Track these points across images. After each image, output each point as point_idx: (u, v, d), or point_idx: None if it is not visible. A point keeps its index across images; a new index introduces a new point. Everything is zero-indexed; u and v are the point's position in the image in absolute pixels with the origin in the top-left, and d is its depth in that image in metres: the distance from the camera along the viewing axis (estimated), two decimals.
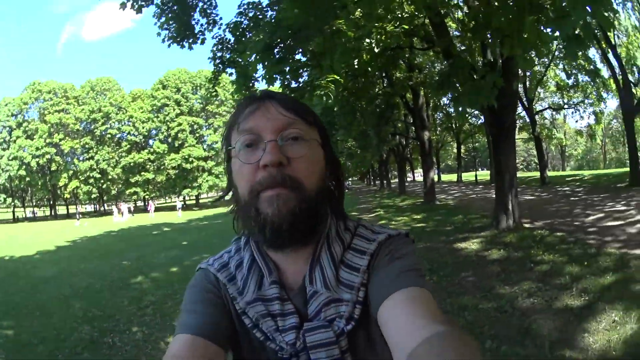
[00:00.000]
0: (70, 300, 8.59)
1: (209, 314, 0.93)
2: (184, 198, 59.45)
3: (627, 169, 24.80)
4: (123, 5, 11.53)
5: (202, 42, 13.31)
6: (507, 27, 7.49)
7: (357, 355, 0.94)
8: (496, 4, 8.26)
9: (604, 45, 21.64)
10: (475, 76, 9.22)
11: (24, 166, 52.01)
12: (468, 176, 49.62)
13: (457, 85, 9.42)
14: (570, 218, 12.81)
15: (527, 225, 11.44)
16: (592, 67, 25.66)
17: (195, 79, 55.89)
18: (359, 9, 8.41)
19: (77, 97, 56.02)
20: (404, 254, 0.97)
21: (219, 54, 12.64)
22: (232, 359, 0.99)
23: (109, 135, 55.48)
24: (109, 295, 8.91)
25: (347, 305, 0.94)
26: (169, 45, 12.09)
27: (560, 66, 29.19)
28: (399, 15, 10.84)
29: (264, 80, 9.95)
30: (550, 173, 44.20)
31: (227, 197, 1.07)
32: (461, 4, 10.97)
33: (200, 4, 10.74)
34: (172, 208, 49.43)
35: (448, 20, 11.95)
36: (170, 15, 11.19)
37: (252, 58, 9.73)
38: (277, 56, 9.58)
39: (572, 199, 18.38)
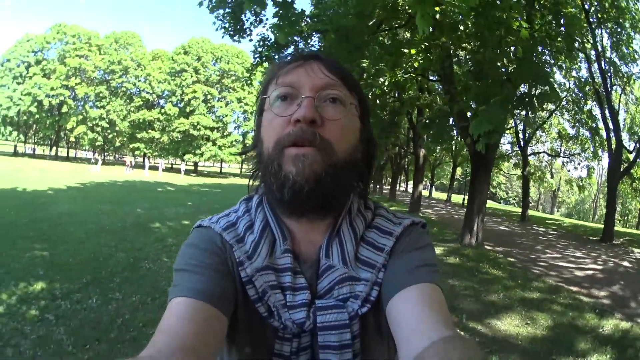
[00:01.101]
0: (100, 235, 9.57)
1: (213, 278, 0.86)
2: (184, 162, 60.05)
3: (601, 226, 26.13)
4: None
5: (250, 39, 14.93)
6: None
7: (365, 342, 0.91)
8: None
9: (605, 107, 21.90)
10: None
11: (35, 103, 52.39)
12: (458, 198, 50.65)
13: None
14: (528, 251, 14.13)
15: (487, 247, 12.95)
16: (594, 124, 26.51)
17: (217, 50, 56.37)
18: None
19: (100, 45, 56.40)
20: (423, 245, 0.96)
21: (259, 49, 14.12)
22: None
23: (124, 89, 55.98)
24: (134, 233, 10.10)
25: (365, 285, 0.90)
26: (222, 36, 13.55)
27: (566, 116, 30.11)
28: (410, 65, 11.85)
29: None
30: (534, 213, 45.23)
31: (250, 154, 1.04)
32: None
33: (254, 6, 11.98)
34: (170, 169, 50.11)
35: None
36: (226, 10, 12.32)
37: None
38: None
39: (540, 238, 19.61)
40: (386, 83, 12.59)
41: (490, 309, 6.82)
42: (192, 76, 54.59)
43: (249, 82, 18.32)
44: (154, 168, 52.46)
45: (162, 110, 54.79)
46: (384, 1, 10.02)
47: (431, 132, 11.86)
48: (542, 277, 10.01)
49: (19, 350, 3.96)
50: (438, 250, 11.38)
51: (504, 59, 9.49)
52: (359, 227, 0.96)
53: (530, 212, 44.77)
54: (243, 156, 61.58)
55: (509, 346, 5.39)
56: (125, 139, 57.52)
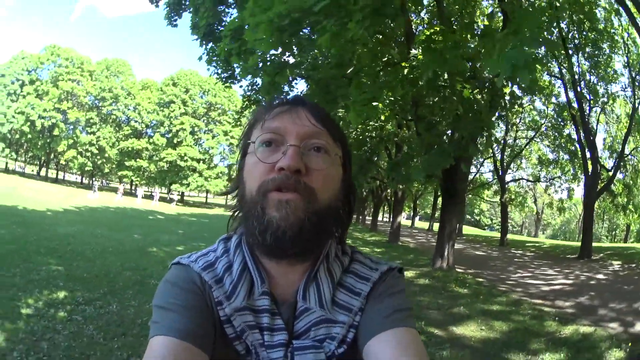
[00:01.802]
0: (106, 255, 10.50)
1: (193, 317, 0.87)
2: (169, 192, 60.74)
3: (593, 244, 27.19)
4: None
5: (240, 85, 16.48)
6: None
7: None
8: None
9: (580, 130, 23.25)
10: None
11: (28, 122, 52.52)
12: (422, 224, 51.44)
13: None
14: (499, 272, 15.20)
15: (459, 270, 13.89)
16: (572, 147, 27.39)
17: (205, 83, 57.10)
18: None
19: (92, 71, 56.80)
20: (398, 290, 0.99)
21: (248, 93, 15.30)
22: None
23: (114, 116, 56.68)
24: (135, 256, 11.07)
25: (342, 327, 0.93)
26: (215, 83, 14.79)
27: (546, 142, 31.43)
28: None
29: None
30: (516, 237, 46.14)
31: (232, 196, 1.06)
32: None
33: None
34: (160, 199, 50.74)
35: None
36: (219, 60, 13.62)
37: None
38: None
39: (515, 260, 20.65)
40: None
41: (450, 319, 7.84)
42: (180, 108, 55.43)
43: (238, 123, 19.38)
44: (148, 197, 53.24)
45: (150, 140, 55.37)
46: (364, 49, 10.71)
47: (396, 174, 13.02)
48: (507, 293, 11.01)
49: (53, 343, 4.76)
50: (411, 273, 12.68)
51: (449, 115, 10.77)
52: (336, 272, 0.99)
53: (513, 236, 44.88)
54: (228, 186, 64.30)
55: (461, 345, 6.34)
56: (113, 166, 58.00)
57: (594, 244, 33.30)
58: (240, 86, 17.52)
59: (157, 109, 55.90)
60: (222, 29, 12.94)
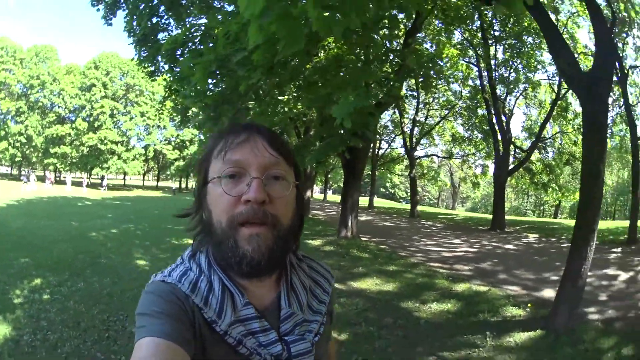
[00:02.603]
0: (57, 243, 12.02)
1: (176, 324, 0.93)
2: (89, 176, 60.48)
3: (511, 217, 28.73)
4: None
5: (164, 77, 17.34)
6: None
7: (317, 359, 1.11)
8: None
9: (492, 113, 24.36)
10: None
11: None
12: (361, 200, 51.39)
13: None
14: (403, 240, 16.83)
15: (364, 239, 15.66)
16: (487, 127, 27.56)
17: (125, 65, 56.18)
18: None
19: (22, 59, 55.59)
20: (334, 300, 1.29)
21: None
22: None
23: (41, 104, 55.35)
24: (81, 241, 12.74)
25: (316, 324, 1.13)
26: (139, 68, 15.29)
27: (460, 120, 32.82)
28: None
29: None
30: (430, 209, 48.38)
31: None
32: None
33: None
34: (76, 184, 50.73)
35: None
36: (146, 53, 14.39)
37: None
38: None
39: (423, 230, 22.47)
40: None
41: (349, 276, 9.47)
42: (100, 91, 54.64)
43: (160, 112, 19.91)
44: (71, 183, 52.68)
45: (73, 125, 54.34)
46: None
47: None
48: (406, 258, 12.50)
49: (50, 320, 6.25)
50: (317, 242, 14.33)
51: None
52: (305, 282, 1.18)
53: (426, 208, 46.89)
54: (145, 167, 62.59)
55: (358, 295, 8.03)
56: (40, 154, 56.81)
57: (515, 218, 34.76)
58: (164, 79, 18.38)
59: (79, 93, 54.88)
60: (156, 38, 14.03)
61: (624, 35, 18.07)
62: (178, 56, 10.68)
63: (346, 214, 15.36)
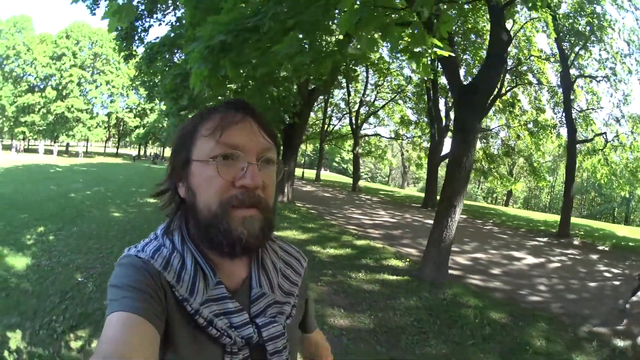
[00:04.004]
0: (46, 202, 14.31)
1: (147, 299, 0.93)
2: (55, 143, 59.93)
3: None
4: None
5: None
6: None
7: (290, 344, 1.12)
8: None
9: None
10: None
11: None
12: (311, 173, 52.24)
13: None
14: (334, 208, 18.67)
15: (298, 204, 17.83)
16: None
17: (94, 35, 57.16)
18: None
19: (1, 30, 55.54)
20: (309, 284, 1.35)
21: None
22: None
23: (15, 74, 55.52)
24: (64, 200, 15.39)
25: (288, 306, 1.14)
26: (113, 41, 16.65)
27: (409, 104, 34.33)
28: None
29: None
30: (376, 185, 50.56)
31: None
32: None
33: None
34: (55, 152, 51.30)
35: None
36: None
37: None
38: None
39: (356, 201, 24.24)
40: None
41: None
42: (70, 60, 55.46)
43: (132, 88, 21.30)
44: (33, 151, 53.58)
45: (43, 94, 55.07)
46: None
47: None
48: (328, 220, 14.71)
49: (58, 249, 8.84)
50: None
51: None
52: (275, 262, 1.19)
53: (375, 185, 49.33)
54: (107, 134, 63.26)
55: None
56: (11, 124, 57.25)
57: (469, 202, 36.58)
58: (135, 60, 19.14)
59: (50, 62, 55.49)
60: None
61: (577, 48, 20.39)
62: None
63: (283, 182, 17.22)
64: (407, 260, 10.09)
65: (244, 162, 0.99)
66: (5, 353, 4.68)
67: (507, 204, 50.42)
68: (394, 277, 8.53)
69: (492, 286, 9.03)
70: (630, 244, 18.19)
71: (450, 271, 9.27)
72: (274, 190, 1.07)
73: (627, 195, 36.10)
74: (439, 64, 10.46)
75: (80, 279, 7.16)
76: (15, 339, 5.02)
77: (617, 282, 10.65)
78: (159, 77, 15.37)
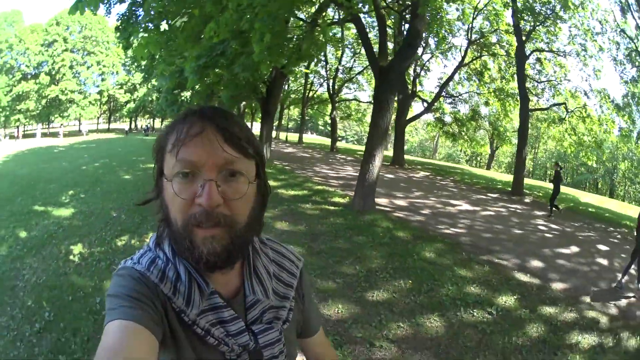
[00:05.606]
0: (65, 175, 17.23)
1: (145, 307, 0.92)
2: (49, 126, 62.54)
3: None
4: None
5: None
6: None
7: (288, 348, 1.13)
8: None
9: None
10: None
11: None
12: (294, 136, 51.79)
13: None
14: (307, 166, 20.31)
15: (276, 163, 19.69)
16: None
17: (83, 19, 56.22)
18: None
19: None
20: (310, 284, 1.23)
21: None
22: None
23: (8, 65, 55.78)
24: (81, 172, 18.23)
25: (284, 311, 1.13)
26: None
27: None
28: None
29: None
30: (354, 147, 50.91)
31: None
32: None
33: None
34: (32, 136, 53.10)
35: None
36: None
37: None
38: None
39: (330, 160, 25.66)
40: None
41: None
42: (61, 45, 56.15)
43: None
44: (31, 135, 55.13)
45: (37, 81, 55.52)
46: None
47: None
48: (299, 174, 16.42)
49: (88, 203, 11.91)
50: None
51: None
52: (268, 267, 1.15)
53: (354, 146, 50.25)
54: (100, 111, 64.00)
55: None
56: (7, 113, 57.11)
57: (429, 160, 38.21)
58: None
59: (42, 50, 56.15)
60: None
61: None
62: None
63: (262, 143, 17.98)
64: (347, 197, 12.14)
65: (201, 179, 0.92)
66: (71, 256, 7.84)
67: (489, 167, 49.65)
68: (332, 208, 10.95)
69: (414, 219, 10.68)
70: (590, 209, 18.60)
71: (382, 208, 11.30)
72: (248, 202, 0.99)
73: (594, 165, 38.20)
74: (363, 47, 12.71)
75: (114, 215, 10.40)
76: (78, 248, 8.30)
77: (549, 235, 11.26)
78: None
